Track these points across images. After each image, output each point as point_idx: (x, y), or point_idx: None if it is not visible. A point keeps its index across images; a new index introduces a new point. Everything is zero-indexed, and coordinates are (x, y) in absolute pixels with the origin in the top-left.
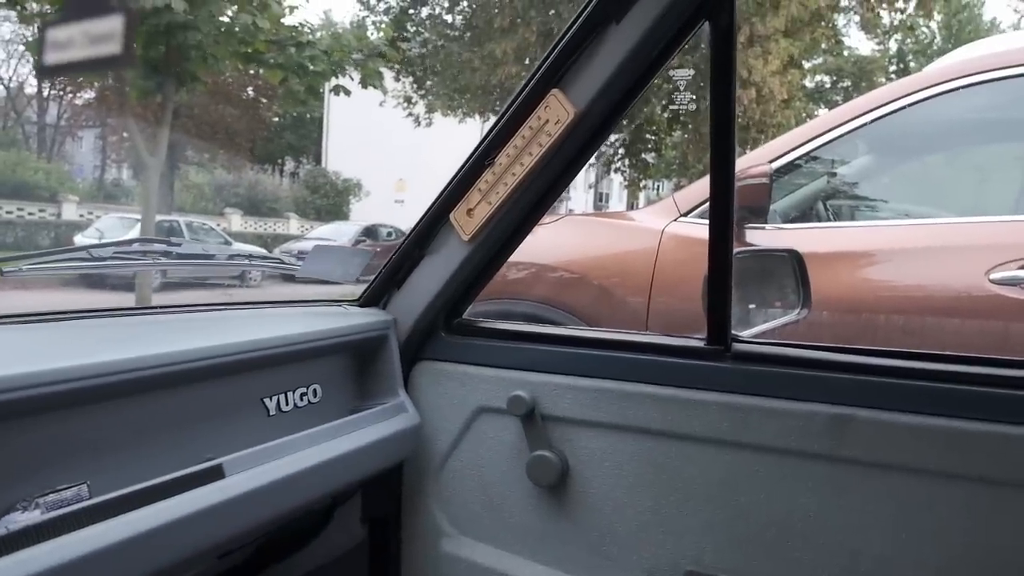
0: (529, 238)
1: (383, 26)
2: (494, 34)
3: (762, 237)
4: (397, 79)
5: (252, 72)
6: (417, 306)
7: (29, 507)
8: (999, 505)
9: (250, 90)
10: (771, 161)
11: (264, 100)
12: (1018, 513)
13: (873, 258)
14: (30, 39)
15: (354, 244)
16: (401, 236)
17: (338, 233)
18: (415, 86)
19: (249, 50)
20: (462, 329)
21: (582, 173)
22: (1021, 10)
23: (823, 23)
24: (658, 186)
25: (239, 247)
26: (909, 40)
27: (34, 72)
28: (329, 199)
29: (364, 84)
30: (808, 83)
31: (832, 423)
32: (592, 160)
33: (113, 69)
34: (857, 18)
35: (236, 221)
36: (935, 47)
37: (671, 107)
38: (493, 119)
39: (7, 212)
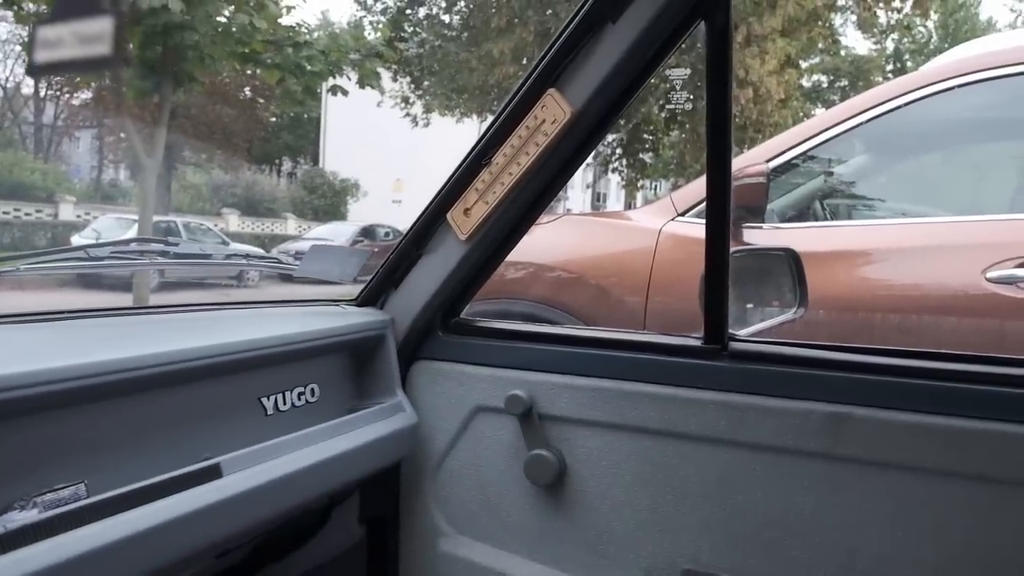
0: (526, 238)
1: (380, 26)
2: (491, 34)
3: (759, 236)
4: (394, 79)
5: (249, 72)
6: (414, 306)
7: (27, 506)
8: (998, 503)
9: (247, 90)
10: (768, 160)
11: (261, 100)
12: (1017, 511)
13: (870, 257)
14: (26, 39)
15: (352, 244)
16: (399, 236)
17: (336, 233)
18: (412, 86)
19: (246, 50)
20: (459, 328)
21: (579, 173)
22: (1017, 9)
23: (820, 23)
24: (655, 186)
25: (236, 247)
26: (906, 39)
27: (25, 71)
28: (327, 199)
29: (361, 84)
30: (805, 83)
31: (829, 421)
32: (589, 160)
33: (102, 70)
34: (854, 18)
35: (233, 221)
36: (932, 46)
37: (668, 106)
38: (490, 119)
39: (3, 213)
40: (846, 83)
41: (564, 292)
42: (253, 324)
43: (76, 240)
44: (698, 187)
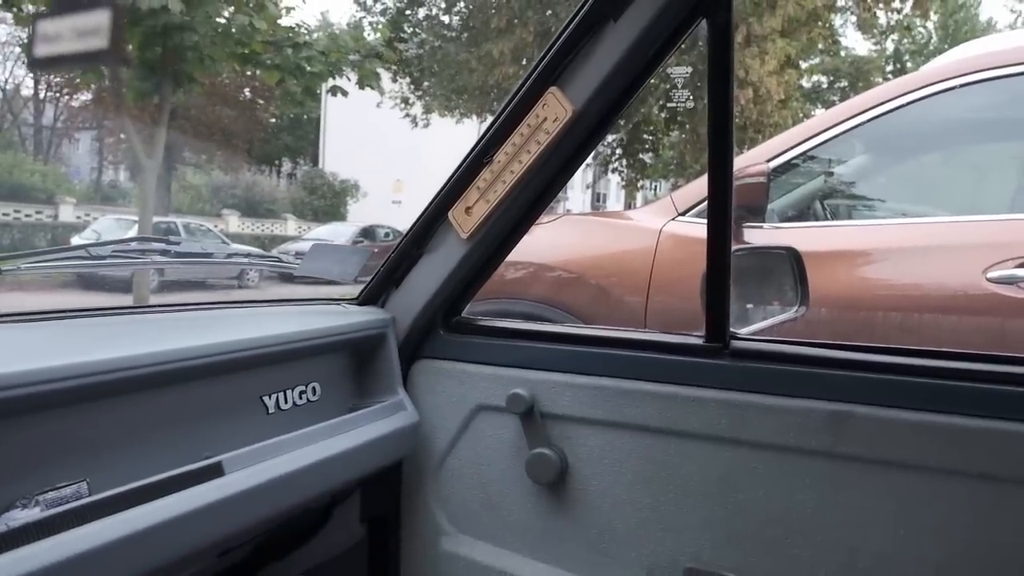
0: (527, 237)
1: (380, 27)
2: (491, 34)
3: (760, 236)
4: (394, 80)
5: (249, 73)
6: (416, 304)
7: (29, 504)
8: (1000, 501)
9: (247, 91)
10: (769, 160)
11: (261, 101)
12: (1019, 510)
13: (870, 257)
14: (25, 40)
15: (352, 245)
16: (398, 237)
17: (336, 234)
18: (412, 87)
19: (246, 51)
20: (461, 327)
21: (579, 173)
22: (1017, 9)
23: (820, 23)
24: (655, 186)
25: (237, 248)
26: (906, 40)
27: (25, 66)
28: (326, 200)
29: (361, 85)
30: (805, 83)
31: (830, 420)
32: (589, 160)
33: (101, 64)
34: (854, 18)
35: (233, 222)
36: (931, 47)
37: (668, 106)
38: (491, 118)
39: (4, 214)
40: (846, 84)
41: (564, 292)
42: (254, 323)
43: (76, 241)
44: (698, 187)
